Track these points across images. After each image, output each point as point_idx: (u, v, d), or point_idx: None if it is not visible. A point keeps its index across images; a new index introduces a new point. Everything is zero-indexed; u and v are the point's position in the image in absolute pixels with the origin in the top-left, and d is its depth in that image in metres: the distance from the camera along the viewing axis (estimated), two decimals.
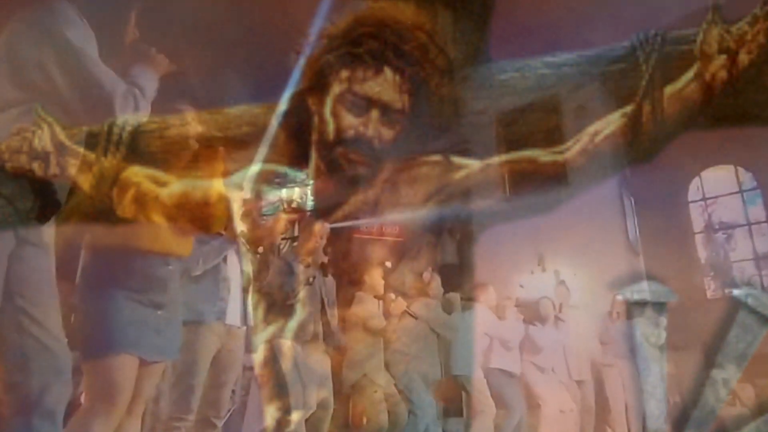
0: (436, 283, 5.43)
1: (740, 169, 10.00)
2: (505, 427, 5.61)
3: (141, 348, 2.57)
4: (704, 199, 10.40)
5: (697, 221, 10.40)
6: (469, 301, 5.80)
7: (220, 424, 3.80)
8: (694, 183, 10.50)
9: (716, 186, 10.31)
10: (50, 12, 2.48)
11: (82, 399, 4.08)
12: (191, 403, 3.53)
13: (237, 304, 3.94)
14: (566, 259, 8.92)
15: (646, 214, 9.58)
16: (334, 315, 4.19)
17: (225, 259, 3.86)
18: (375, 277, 4.73)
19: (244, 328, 4.02)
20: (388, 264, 5.70)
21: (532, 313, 6.39)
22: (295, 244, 4.15)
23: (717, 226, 10.22)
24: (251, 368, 5.12)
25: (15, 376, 2.15)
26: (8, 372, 2.16)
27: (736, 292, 2.49)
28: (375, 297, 4.83)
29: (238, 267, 3.88)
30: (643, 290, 2.76)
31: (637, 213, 9.70)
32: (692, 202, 10.45)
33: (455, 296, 5.66)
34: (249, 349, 4.21)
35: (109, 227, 2.71)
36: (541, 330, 6.25)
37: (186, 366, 3.51)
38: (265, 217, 3.75)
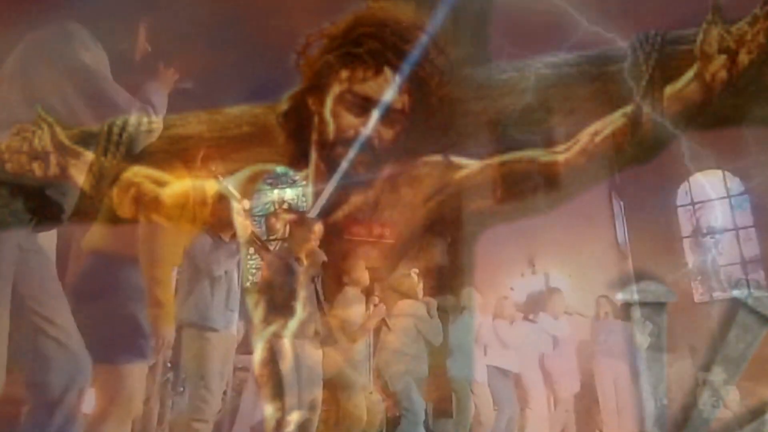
0: (419, 285, 5.40)
1: (728, 174, 10.06)
2: (496, 425, 5.60)
3: (148, 353, 2.56)
4: (692, 203, 10.45)
5: (686, 225, 10.45)
6: (462, 303, 5.78)
7: (212, 421, 3.83)
8: (683, 187, 10.54)
9: (704, 190, 10.36)
10: (65, 35, 2.46)
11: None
12: (212, 406, 3.53)
13: (235, 308, 3.94)
14: (556, 262, 8.92)
15: (636, 217, 9.60)
16: (327, 313, 4.19)
17: (237, 267, 3.87)
18: (359, 270, 4.68)
19: (237, 332, 4.03)
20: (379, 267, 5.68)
21: (530, 307, 6.38)
22: (286, 244, 4.13)
23: (705, 231, 10.27)
24: (243, 369, 5.09)
25: (36, 377, 2.13)
26: (29, 373, 2.14)
27: (736, 292, 2.49)
28: (362, 291, 4.79)
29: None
30: (643, 290, 2.76)
31: (627, 216, 9.72)
32: (681, 206, 10.51)
33: (448, 299, 5.65)
34: (241, 350, 4.20)
35: (126, 237, 2.69)
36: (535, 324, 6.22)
37: (200, 370, 3.52)
38: (257, 217, 3.75)
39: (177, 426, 3.67)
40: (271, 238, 4.31)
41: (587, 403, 6.33)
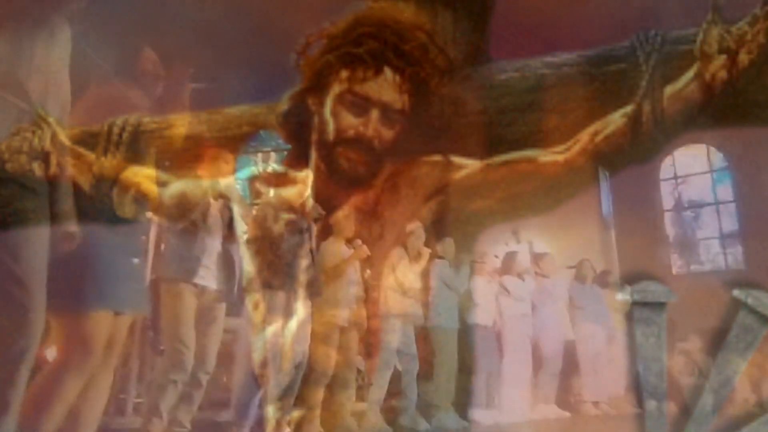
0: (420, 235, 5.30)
1: (712, 149, 10.09)
2: (476, 382, 5.54)
3: (117, 301, 2.50)
4: (675, 177, 10.53)
5: (668, 199, 10.51)
6: (441, 253, 5.68)
7: (205, 382, 3.75)
8: (667, 161, 10.56)
9: (687, 165, 10.43)
10: None
11: (48, 354, 4.03)
12: (184, 362, 3.47)
13: (212, 265, 3.85)
14: (540, 231, 8.90)
15: (620, 189, 9.58)
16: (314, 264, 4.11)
17: (205, 219, 3.75)
18: (341, 220, 4.59)
19: (218, 288, 3.96)
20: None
21: (506, 268, 6.28)
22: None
23: (686, 205, 10.39)
24: (232, 332, 4.97)
25: None
26: None
27: (735, 292, 2.49)
28: (345, 241, 4.70)
29: (219, 226, 3.79)
30: (643, 291, 2.77)
31: (612, 188, 9.68)
32: (664, 180, 10.55)
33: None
34: (230, 312, 4.16)
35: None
36: (517, 284, 6.15)
37: (169, 323, 3.47)
38: (256, 205, 3.73)
39: (155, 382, 3.61)
40: (256, 202, 4.29)
41: (566, 367, 6.28)
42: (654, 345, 2.68)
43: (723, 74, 2.82)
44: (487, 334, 5.79)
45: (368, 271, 4.89)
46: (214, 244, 3.68)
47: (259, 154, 3.62)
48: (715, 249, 9.98)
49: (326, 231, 3.97)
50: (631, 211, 9.03)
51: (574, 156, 3.18)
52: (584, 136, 3.13)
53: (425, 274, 4.91)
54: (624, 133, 3.06)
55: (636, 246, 7.55)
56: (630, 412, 4.66)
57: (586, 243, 7.52)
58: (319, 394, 4.03)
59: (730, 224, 9.86)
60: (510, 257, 6.15)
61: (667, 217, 10.31)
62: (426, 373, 5.00)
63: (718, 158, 9.89)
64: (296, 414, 3.72)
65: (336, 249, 4.28)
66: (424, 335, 5.02)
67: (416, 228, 4.77)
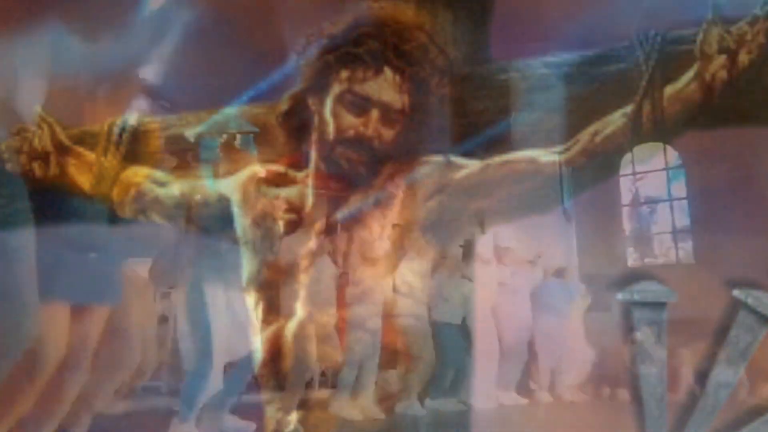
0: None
1: (668, 147, 10.29)
2: (441, 379, 5.58)
3: (72, 293, 2.42)
4: (634, 173, 10.81)
5: (626, 194, 10.81)
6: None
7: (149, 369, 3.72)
8: (626, 157, 10.74)
9: (645, 162, 10.70)
10: None
11: None
12: (133, 351, 3.42)
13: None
14: (504, 222, 9.00)
15: (581, 183, 9.81)
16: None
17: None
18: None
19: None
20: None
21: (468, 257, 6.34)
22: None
23: (642, 200, 10.71)
24: (166, 319, 4.85)
25: None
26: None
27: (735, 292, 2.50)
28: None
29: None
30: (643, 290, 2.77)
31: (573, 183, 9.88)
32: (623, 175, 10.83)
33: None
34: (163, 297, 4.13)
35: None
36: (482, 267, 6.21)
37: (118, 310, 3.41)
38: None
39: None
40: (256, 202, 4.28)
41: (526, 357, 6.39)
42: (654, 345, 2.68)
43: (723, 74, 2.82)
44: (454, 326, 5.83)
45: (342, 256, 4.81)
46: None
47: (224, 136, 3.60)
48: (667, 243, 10.34)
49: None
50: (592, 205, 9.20)
51: (574, 156, 3.18)
52: (584, 136, 3.13)
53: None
54: (624, 133, 3.06)
55: (594, 239, 7.69)
56: (586, 400, 4.87)
57: (546, 234, 7.64)
58: (320, 394, 4.04)
59: (682, 220, 10.24)
60: (468, 246, 6.16)
61: (625, 212, 10.64)
62: (390, 362, 4.99)
63: (673, 156, 10.16)
64: (295, 414, 3.72)
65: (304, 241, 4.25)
66: (391, 326, 5.00)
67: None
